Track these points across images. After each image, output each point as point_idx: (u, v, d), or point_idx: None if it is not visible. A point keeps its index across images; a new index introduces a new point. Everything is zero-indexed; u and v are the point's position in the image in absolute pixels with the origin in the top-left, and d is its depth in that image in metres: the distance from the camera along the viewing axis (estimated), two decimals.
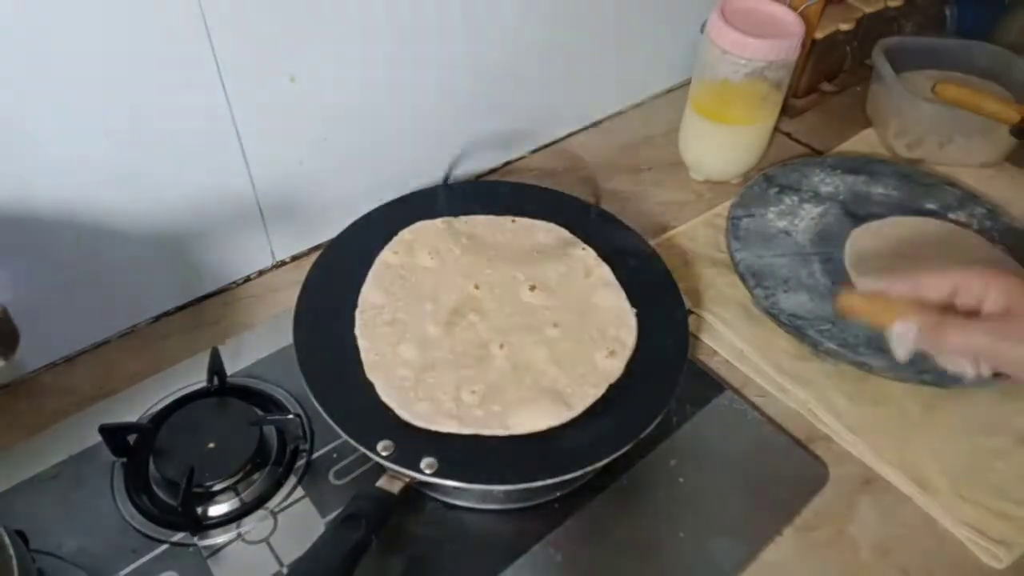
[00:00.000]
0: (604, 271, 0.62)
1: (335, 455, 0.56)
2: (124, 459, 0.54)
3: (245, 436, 0.54)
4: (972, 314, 0.45)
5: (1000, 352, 0.43)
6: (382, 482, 0.50)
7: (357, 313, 0.58)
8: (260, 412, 0.57)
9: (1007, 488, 0.57)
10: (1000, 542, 0.54)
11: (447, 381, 0.54)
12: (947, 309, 0.46)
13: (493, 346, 0.56)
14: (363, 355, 0.55)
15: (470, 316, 0.58)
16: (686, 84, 0.82)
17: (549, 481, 0.49)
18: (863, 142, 0.89)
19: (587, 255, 0.64)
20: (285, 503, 0.53)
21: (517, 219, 0.67)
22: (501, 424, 0.52)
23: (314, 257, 0.62)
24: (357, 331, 0.57)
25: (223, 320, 0.66)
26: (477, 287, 0.60)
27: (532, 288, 0.60)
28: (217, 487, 0.52)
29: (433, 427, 0.51)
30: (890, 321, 0.46)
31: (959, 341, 0.44)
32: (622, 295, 0.61)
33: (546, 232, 0.66)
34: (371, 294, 0.59)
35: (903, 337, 0.46)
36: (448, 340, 0.57)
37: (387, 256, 0.62)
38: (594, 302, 0.60)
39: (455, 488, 0.51)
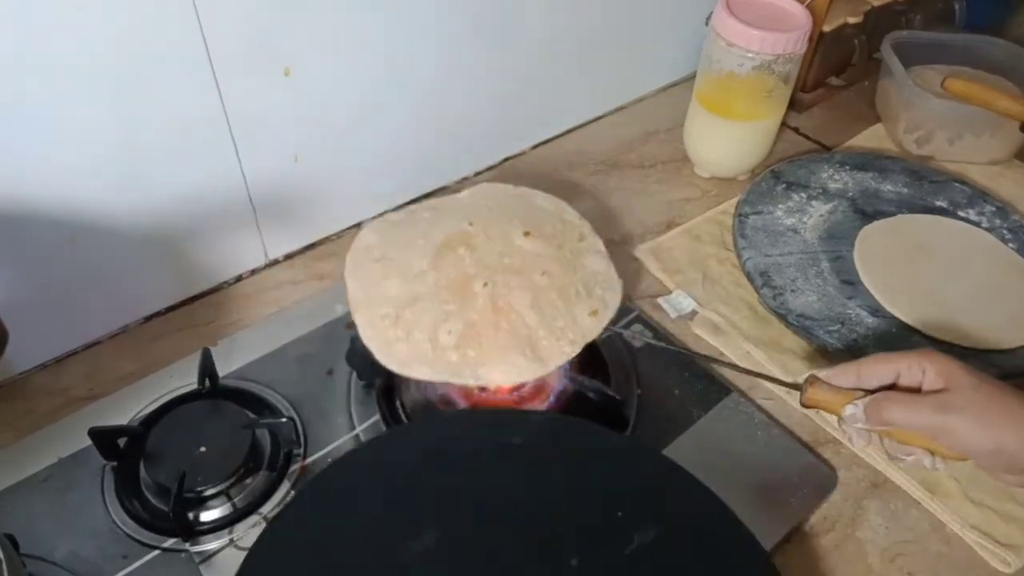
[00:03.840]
0: (597, 241, 0.62)
1: (329, 459, 0.55)
2: (115, 463, 0.53)
3: (237, 440, 0.53)
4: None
5: (943, 425, 0.43)
6: None
7: (348, 255, 0.57)
8: (252, 415, 0.56)
9: (1016, 492, 0.56)
10: (1009, 546, 0.54)
11: (426, 318, 0.53)
12: None
13: (477, 283, 0.55)
14: (349, 294, 0.55)
15: (459, 249, 0.57)
16: (691, 78, 0.81)
17: None
18: (872, 137, 0.88)
19: (583, 224, 0.63)
20: (278, 509, 0.52)
21: (519, 187, 0.65)
22: (473, 374, 0.51)
23: (308, 255, 0.61)
24: (346, 272, 0.56)
25: (215, 320, 0.65)
26: (471, 224, 0.59)
27: (526, 234, 0.59)
28: (209, 492, 0.51)
29: (407, 373, 0.51)
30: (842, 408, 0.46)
31: (902, 415, 0.44)
32: (611, 265, 0.60)
33: (544, 198, 0.65)
34: (365, 237, 0.59)
35: (852, 419, 0.46)
36: (433, 273, 0.55)
37: (388, 215, 0.62)
38: (584, 263, 0.59)
39: None
